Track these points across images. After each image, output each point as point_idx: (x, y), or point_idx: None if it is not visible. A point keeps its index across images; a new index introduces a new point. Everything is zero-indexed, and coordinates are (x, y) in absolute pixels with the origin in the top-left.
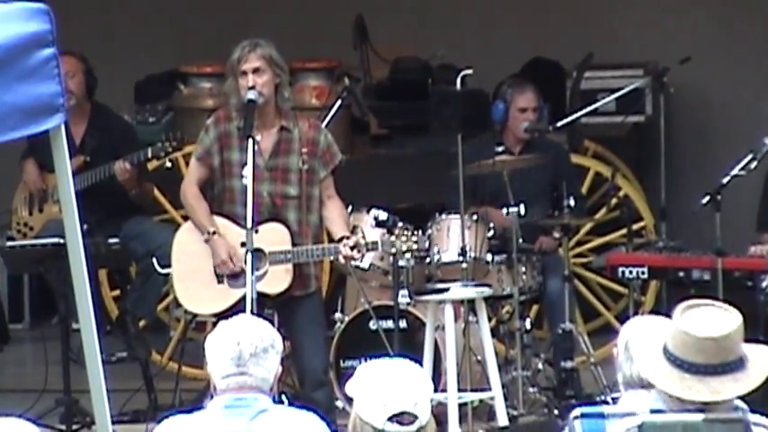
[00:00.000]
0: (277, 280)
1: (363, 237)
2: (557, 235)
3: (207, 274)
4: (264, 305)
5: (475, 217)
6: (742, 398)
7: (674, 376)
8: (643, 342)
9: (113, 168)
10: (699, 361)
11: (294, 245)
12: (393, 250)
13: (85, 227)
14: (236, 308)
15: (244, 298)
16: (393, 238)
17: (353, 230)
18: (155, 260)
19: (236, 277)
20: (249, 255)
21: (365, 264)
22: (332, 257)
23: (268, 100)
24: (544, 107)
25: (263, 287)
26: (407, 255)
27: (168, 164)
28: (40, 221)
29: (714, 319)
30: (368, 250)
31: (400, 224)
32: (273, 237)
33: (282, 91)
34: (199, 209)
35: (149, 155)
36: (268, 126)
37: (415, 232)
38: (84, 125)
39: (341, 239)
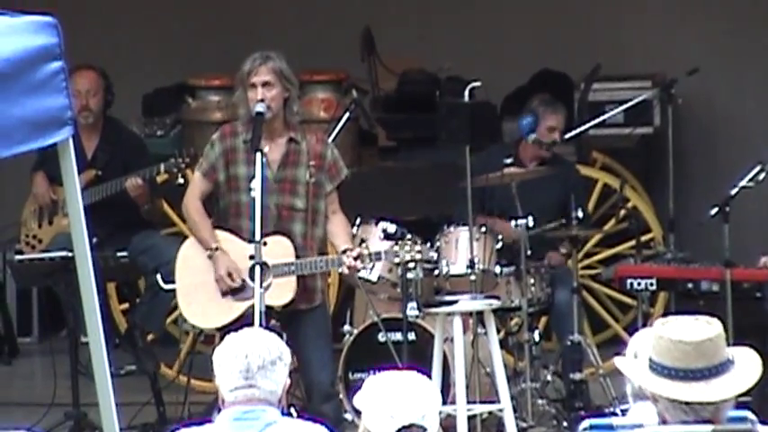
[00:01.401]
0: (281, 292)
1: (367, 248)
2: (564, 251)
3: (210, 289)
4: (270, 318)
5: (483, 229)
6: (752, 410)
7: (682, 388)
8: (634, 365)
9: (124, 183)
10: (701, 365)
11: (298, 258)
12: (397, 260)
13: (95, 240)
14: (241, 321)
15: (247, 311)
16: (397, 247)
17: (360, 243)
18: (159, 276)
19: (239, 291)
20: (257, 268)
21: (374, 276)
22: (335, 269)
23: (276, 114)
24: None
25: (267, 299)
26: (412, 264)
27: (181, 180)
28: (49, 234)
29: (697, 326)
30: (371, 261)
31: (408, 236)
32: (278, 250)
33: (291, 105)
34: (201, 224)
35: (162, 171)
36: (276, 137)
37: (419, 241)
38: (97, 139)
39: (345, 252)
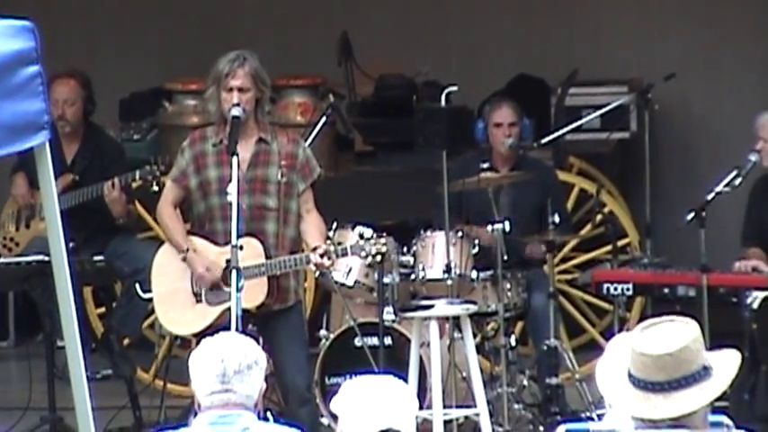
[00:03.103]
0: (253, 294)
1: (333, 244)
2: (543, 247)
3: (185, 295)
4: (246, 322)
5: (460, 234)
6: (729, 415)
7: (639, 398)
8: (608, 368)
9: (102, 189)
10: (661, 379)
11: (269, 258)
12: (363, 254)
13: (72, 245)
14: (217, 325)
15: (222, 315)
16: (362, 242)
17: (326, 240)
18: (137, 285)
19: (213, 295)
20: (234, 272)
21: (350, 281)
22: (309, 269)
23: (249, 114)
24: (529, 124)
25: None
26: (379, 257)
27: (155, 188)
28: (26, 238)
29: (670, 335)
30: (338, 256)
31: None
32: (248, 251)
33: (263, 105)
34: (174, 228)
35: (137, 178)
36: (246, 137)
37: (383, 235)
38: (77, 145)
39: (314, 249)
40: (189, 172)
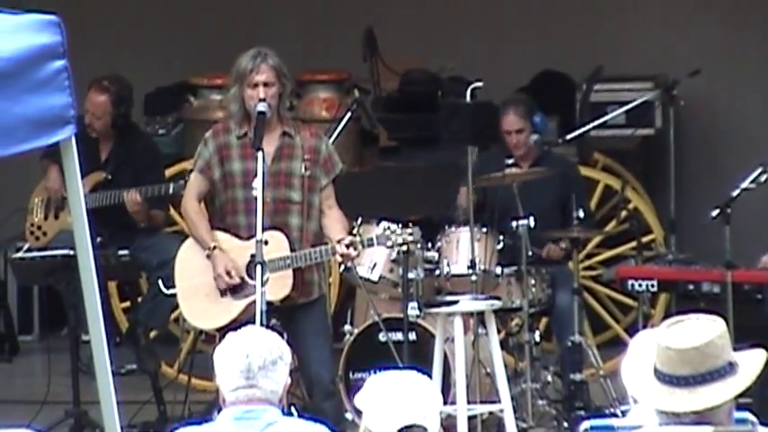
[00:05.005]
0: (278, 287)
1: (359, 235)
2: (563, 245)
3: (210, 289)
4: (270, 316)
5: (485, 229)
6: (752, 411)
7: (664, 392)
8: (633, 363)
9: (125, 196)
10: (686, 373)
11: (293, 251)
12: (389, 243)
13: (99, 239)
14: (241, 319)
15: (246, 309)
16: (388, 231)
17: (351, 231)
18: (160, 282)
19: (238, 290)
20: (258, 267)
21: (375, 276)
22: (332, 261)
23: (272, 109)
24: (541, 120)
25: (265, 295)
26: (404, 248)
27: None
28: (53, 228)
29: (696, 330)
30: (364, 247)
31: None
32: (273, 245)
33: (285, 99)
34: (200, 224)
35: (170, 191)
36: (270, 131)
37: (410, 225)
38: (112, 143)
39: (339, 241)
40: (213, 163)
